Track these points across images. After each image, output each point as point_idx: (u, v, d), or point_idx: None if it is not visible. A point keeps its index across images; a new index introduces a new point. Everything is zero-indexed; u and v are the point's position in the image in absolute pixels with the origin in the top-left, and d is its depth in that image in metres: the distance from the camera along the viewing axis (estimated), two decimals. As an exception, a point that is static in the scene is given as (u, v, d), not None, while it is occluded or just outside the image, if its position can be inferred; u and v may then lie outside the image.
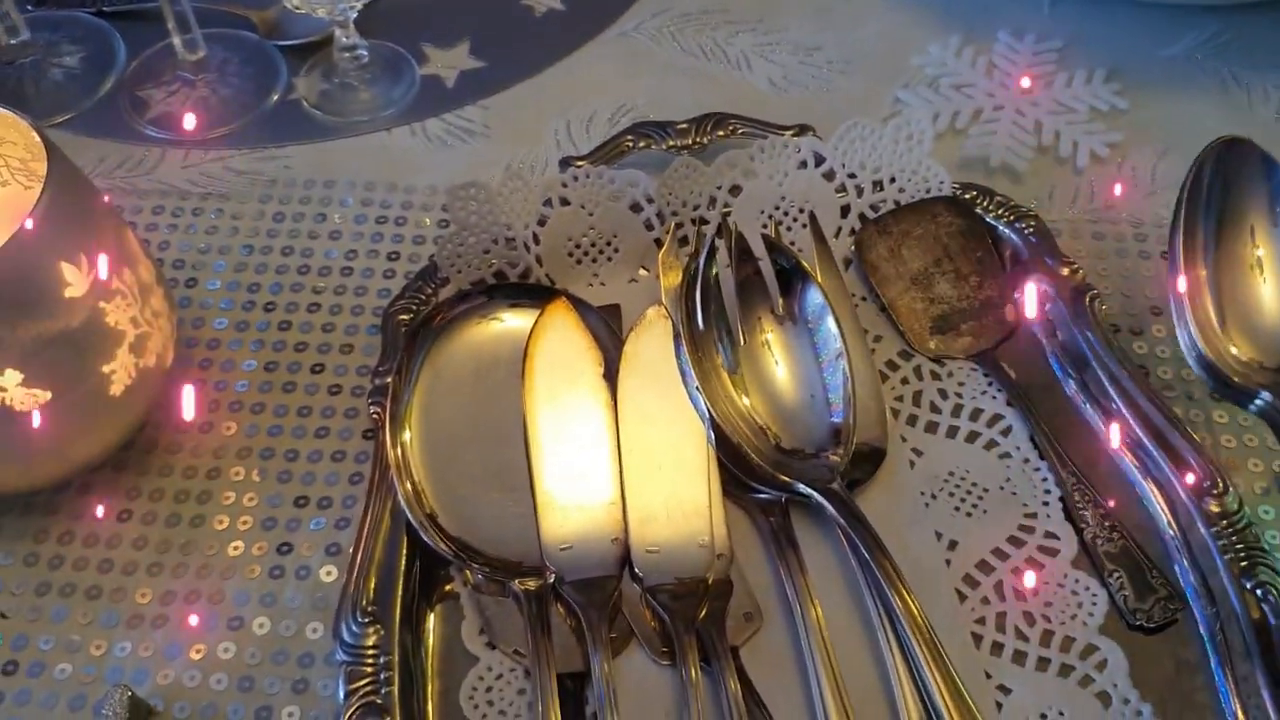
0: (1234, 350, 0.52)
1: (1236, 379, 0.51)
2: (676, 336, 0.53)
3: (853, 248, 0.58)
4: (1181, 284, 0.53)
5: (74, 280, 0.45)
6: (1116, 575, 0.49)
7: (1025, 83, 0.66)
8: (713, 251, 0.55)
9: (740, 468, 0.51)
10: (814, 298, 0.53)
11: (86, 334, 0.46)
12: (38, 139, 0.47)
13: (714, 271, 0.55)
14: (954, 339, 0.55)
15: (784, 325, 0.53)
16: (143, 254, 0.50)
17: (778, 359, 0.53)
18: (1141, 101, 0.66)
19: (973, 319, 0.56)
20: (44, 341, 0.45)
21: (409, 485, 0.50)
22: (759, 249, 0.55)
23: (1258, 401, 0.51)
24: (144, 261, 0.50)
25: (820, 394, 0.52)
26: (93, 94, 0.68)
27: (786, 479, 0.50)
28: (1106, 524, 0.50)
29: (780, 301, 0.54)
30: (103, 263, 0.46)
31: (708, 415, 0.51)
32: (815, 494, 0.49)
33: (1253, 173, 0.54)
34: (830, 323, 0.52)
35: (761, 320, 0.54)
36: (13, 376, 0.44)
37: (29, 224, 0.43)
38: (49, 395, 0.46)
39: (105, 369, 0.47)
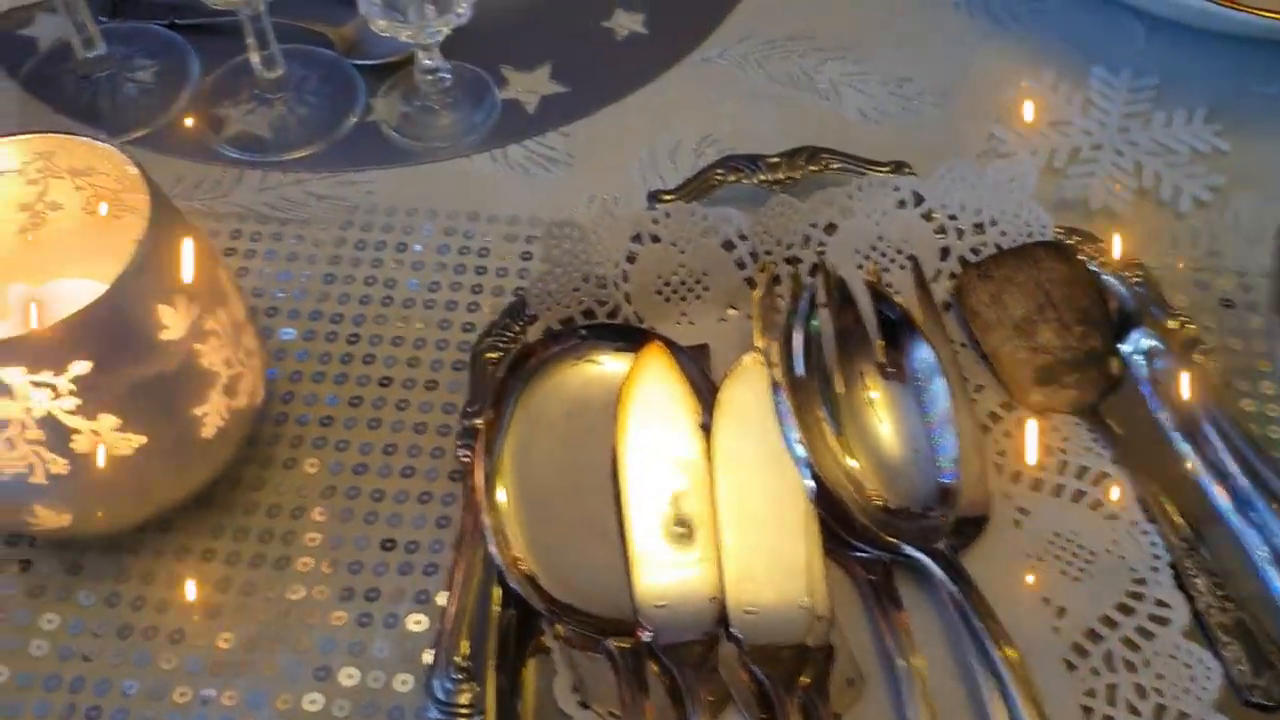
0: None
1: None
2: (775, 385, 0.52)
3: (952, 292, 0.57)
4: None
5: (171, 323, 0.44)
6: (1231, 647, 0.47)
7: (1123, 121, 0.64)
8: (813, 296, 0.54)
9: (842, 525, 0.49)
10: (922, 354, 0.51)
11: (181, 377, 0.45)
12: (133, 172, 0.46)
13: (813, 319, 0.53)
14: (1058, 392, 0.54)
15: (888, 378, 0.52)
16: (235, 291, 0.49)
17: (881, 415, 0.51)
18: (1243, 143, 0.64)
19: (1077, 371, 0.54)
20: (140, 386, 0.43)
21: (502, 535, 0.48)
22: (860, 296, 0.54)
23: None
24: (237, 300, 0.49)
25: (926, 451, 0.50)
26: (167, 110, 0.67)
27: (892, 539, 0.48)
28: (1219, 593, 0.48)
29: (884, 353, 0.52)
30: (198, 304, 0.45)
31: (809, 469, 0.50)
32: (920, 555, 0.48)
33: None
34: (939, 381, 0.50)
35: (863, 372, 0.52)
36: (108, 421, 0.43)
37: (131, 268, 0.42)
38: (144, 440, 0.44)
39: (198, 411, 0.46)
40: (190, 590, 0.50)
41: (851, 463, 0.50)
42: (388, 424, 0.55)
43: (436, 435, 0.54)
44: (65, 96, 0.67)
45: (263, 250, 0.61)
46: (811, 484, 0.50)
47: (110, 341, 0.42)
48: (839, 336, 0.53)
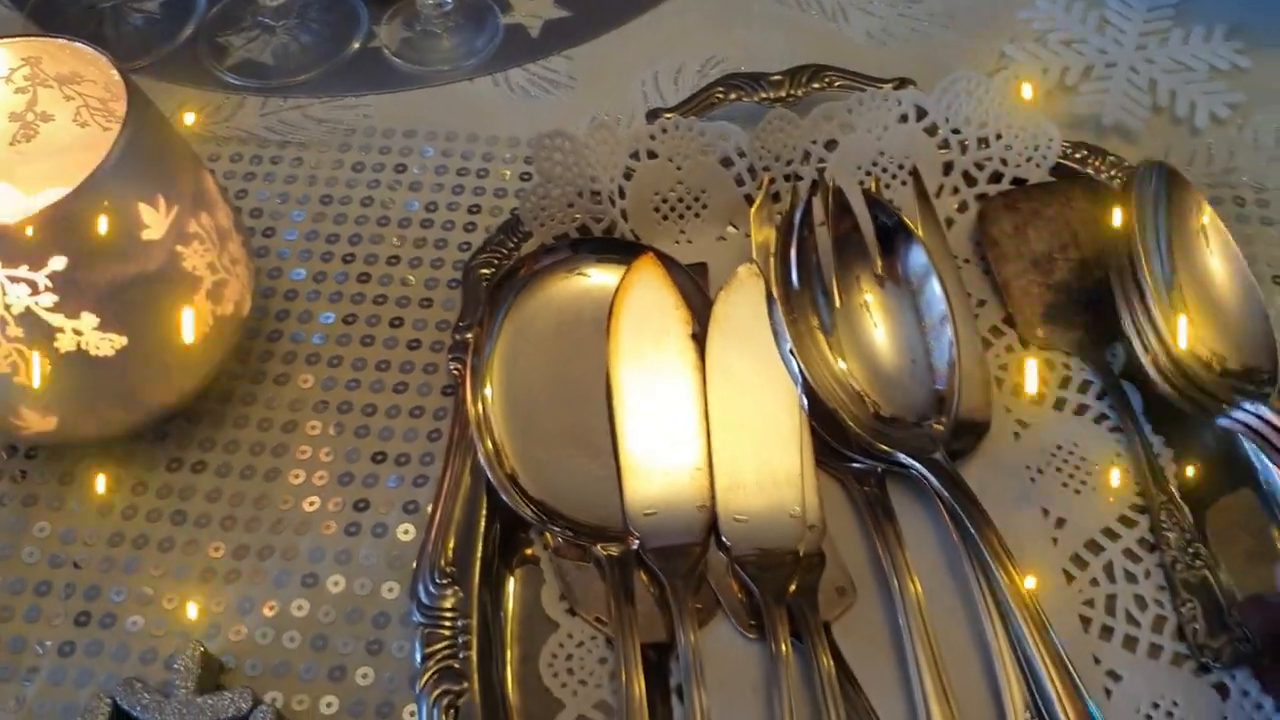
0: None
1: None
2: (770, 296, 0.51)
3: (976, 219, 0.55)
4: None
5: (152, 222, 0.44)
6: (1189, 605, 0.45)
7: (1140, 39, 0.62)
8: (809, 208, 0.53)
9: (835, 435, 0.48)
10: (918, 257, 0.50)
11: (163, 279, 0.45)
12: (117, 77, 0.45)
13: (810, 229, 0.52)
14: (1064, 331, 0.52)
15: (884, 286, 0.51)
16: (221, 199, 0.49)
17: (877, 322, 0.50)
18: (1265, 60, 0.62)
19: (1089, 314, 0.52)
20: (120, 285, 0.43)
21: (490, 444, 0.48)
22: (858, 205, 0.52)
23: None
24: (222, 207, 0.48)
25: (922, 359, 0.49)
26: (172, 39, 0.67)
27: (885, 448, 0.47)
28: (1190, 550, 0.46)
29: (880, 261, 0.51)
30: (181, 205, 0.45)
31: (801, 379, 0.49)
32: (916, 464, 0.47)
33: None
34: (935, 285, 0.49)
35: (860, 280, 0.51)
36: (89, 320, 0.43)
37: (107, 163, 0.41)
38: (125, 341, 0.44)
39: (181, 316, 0.46)
40: (180, 501, 0.50)
41: (845, 369, 0.49)
42: (381, 340, 0.54)
43: (430, 351, 0.54)
44: (71, 27, 0.68)
45: (262, 173, 0.61)
46: (804, 396, 0.49)
47: (88, 237, 0.42)
48: (837, 248, 0.52)
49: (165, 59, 0.66)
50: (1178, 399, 0.48)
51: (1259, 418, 0.46)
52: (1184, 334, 0.48)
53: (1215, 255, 0.50)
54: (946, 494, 0.46)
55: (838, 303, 0.51)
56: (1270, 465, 0.46)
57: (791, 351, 0.49)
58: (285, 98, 0.64)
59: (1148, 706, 0.43)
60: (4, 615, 0.47)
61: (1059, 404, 0.50)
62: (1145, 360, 0.49)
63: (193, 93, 0.65)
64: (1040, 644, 0.42)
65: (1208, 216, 0.51)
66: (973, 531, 0.45)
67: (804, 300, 0.51)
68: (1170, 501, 0.47)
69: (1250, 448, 0.47)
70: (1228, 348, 0.48)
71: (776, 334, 0.50)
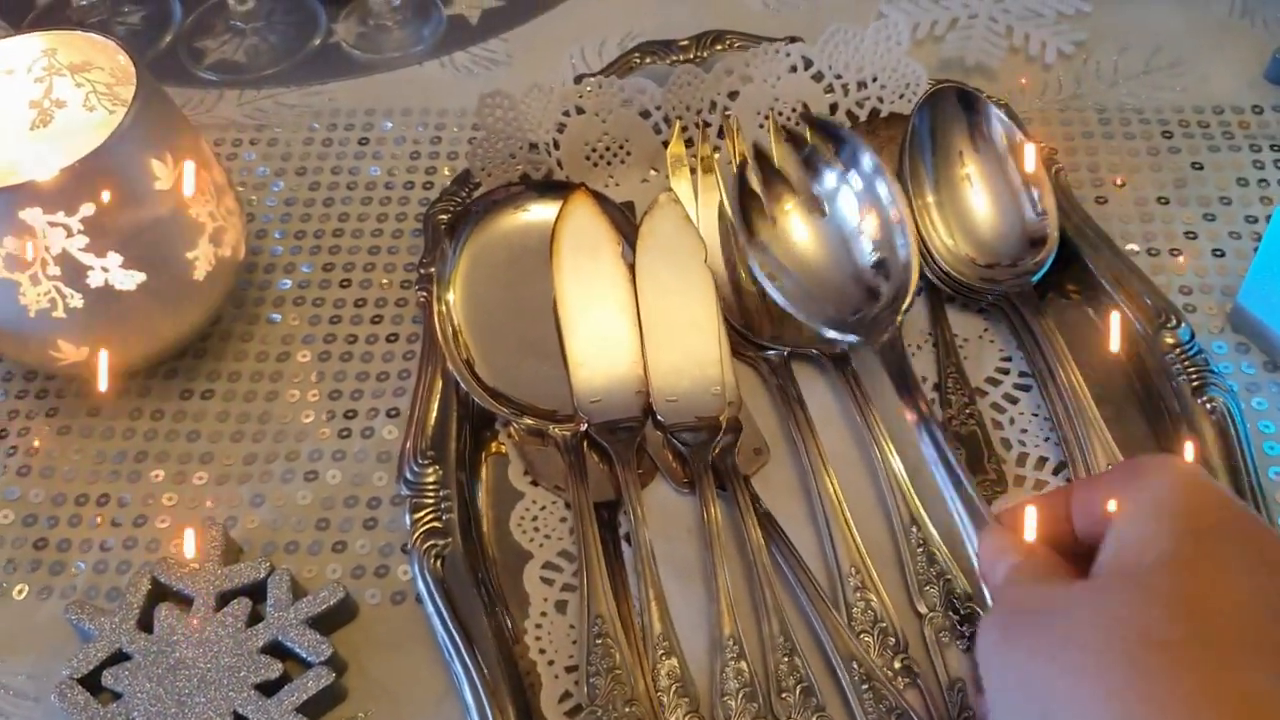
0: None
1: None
2: (687, 216, 0.60)
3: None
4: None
5: (162, 175, 0.52)
6: (956, 453, 0.52)
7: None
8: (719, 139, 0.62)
9: (750, 329, 0.58)
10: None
11: (173, 223, 0.53)
12: (124, 61, 0.54)
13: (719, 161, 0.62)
14: None
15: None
16: (215, 161, 0.57)
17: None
18: (1103, 5, 0.72)
19: None
20: (139, 228, 0.52)
21: (457, 353, 0.56)
22: (760, 135, 0.62)
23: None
24: (217, 167, 0.57)
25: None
26: (154, 47, 0.76)
27: (793, 341, 0.57)
28: (967, 409, 0.55)
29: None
30: (185, 162, 0.53)
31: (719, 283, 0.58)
32: (813, 351, 0.56)
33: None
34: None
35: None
36: (114, 259, 0.52)
37: (125, 122, 0.50)
38: (144, 277, 0.53)
39: (189, 255, 0.54)
40: (194, 423, 0.58)
41: (760, 276, 0.58)
42: (357, 282, 0.63)
43: (399, 288, 0.63)
44: (62, 41, 0.76)
45: (242, 153, 0.70)
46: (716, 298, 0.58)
47: (112, 186, 0.50)
48: (750, 170, 0.61)
49: (149, 64, 0.74)
50: (948, 287, 0.59)
51: (1008, 298, 0.56)
52: (945, 230, 0.60)
53: (986, 162, 0.61)
54: (841, 372, 0.56)
55: (759, 215, 0.60)
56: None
57: (708, 262, 0.58)
58: (259, 89, 0.73)
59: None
60: (51, 523, 0.55)
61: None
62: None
63: (176, 90, 0.73)
64: (912, 488, 0.51)
65: (996, 128, 0.61)
66: (861, 399, 0.54)
67: (720, 217, 0.60)
68: (956, 370, 0.56)
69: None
70: (991, 240, 0.59)
71: (695, 246, 0.59)
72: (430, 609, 0.50)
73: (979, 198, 0.60)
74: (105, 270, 0.52)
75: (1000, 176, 0.61)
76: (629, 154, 0.66)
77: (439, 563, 0.51)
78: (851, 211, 0.59)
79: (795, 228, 0.60)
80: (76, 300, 0.52)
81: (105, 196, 0.50)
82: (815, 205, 0.60)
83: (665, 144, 0.65)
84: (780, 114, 0.66)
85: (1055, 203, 0.59)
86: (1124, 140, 0.66)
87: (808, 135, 0.62)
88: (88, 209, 0.50)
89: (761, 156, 0.61)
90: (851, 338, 0.55)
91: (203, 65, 0.74)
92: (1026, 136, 0.62)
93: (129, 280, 0.52)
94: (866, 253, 0.58)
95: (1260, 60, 0.68)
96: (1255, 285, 0.56)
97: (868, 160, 0.59)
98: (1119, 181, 0.64)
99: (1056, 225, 0.58)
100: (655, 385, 0.56)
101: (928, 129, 0.62)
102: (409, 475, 0.53)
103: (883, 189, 0.58)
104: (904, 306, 0.55)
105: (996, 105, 0.64)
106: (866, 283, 0.57)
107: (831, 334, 0.55)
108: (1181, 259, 0.60)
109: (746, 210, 0.60)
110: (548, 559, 0.53)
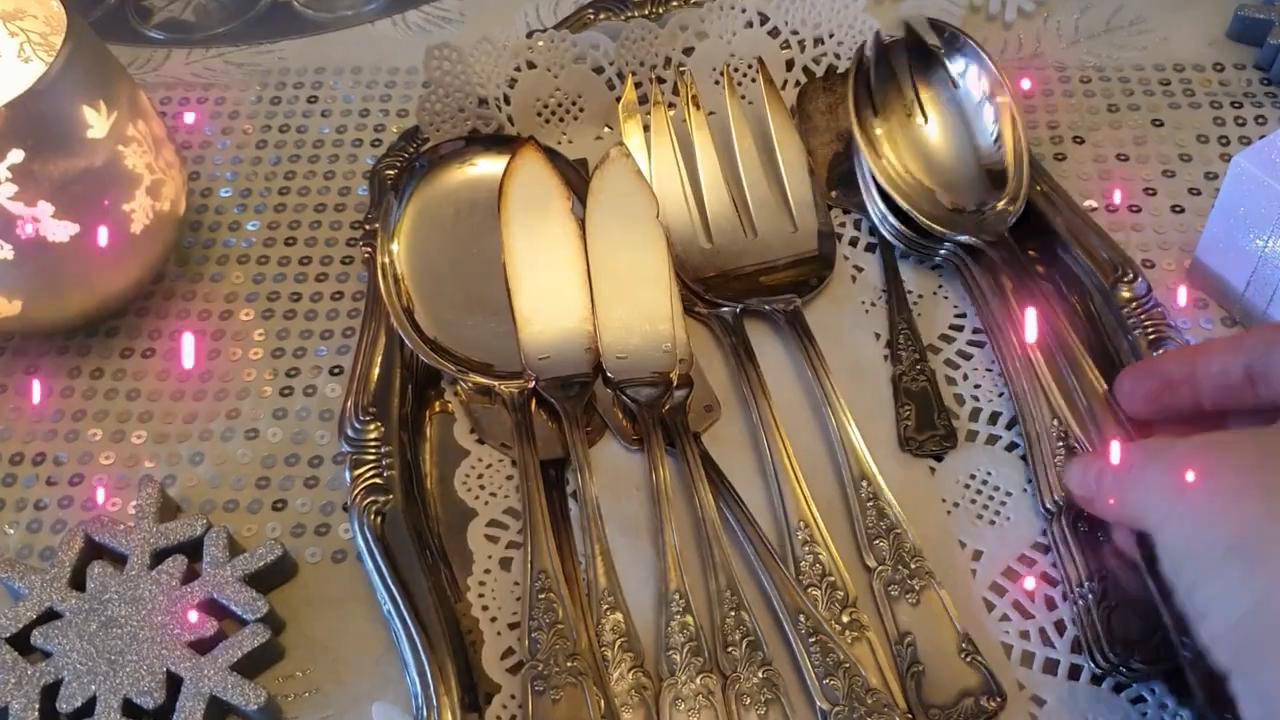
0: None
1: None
2: (638, 171, 0.59)
3: (795, 100, 0.64)
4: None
5: (94, 123, 0.51)
6: (907, 408, 0.53)
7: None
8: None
9: (701, 287, 0.57)
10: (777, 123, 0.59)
11: (108, 173, 0.52)
12: (57, 8, 0.53)
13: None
14: (852, 194, 0.60)
15: (752, 158, 0.59)
16: (154, 113, 0.56)
17: (742, 184, 0.59)
18: (1066, -35, 0.71)
19: None
20: (71, 177, 0.50)
21: (401, 308, 0.55)
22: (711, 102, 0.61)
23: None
24: (155, 119, 0.56)
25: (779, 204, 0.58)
26: (102, 4, 0.74)
27: (745, 298, 0.56)
28: (918, 365, 0.54)
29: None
30: (120, 111, 0.52)
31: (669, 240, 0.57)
32: (765, 307, 0.56)
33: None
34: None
35: (726, 154, 0.59)
36: (45, 208, 0.50)
37: (54, 66, 0.49)
38: (77, 228, 0.51)
39: (126, 207, 0.53)
40: (134, 381, 0.57)
41: (705, 238, 0.57)
42: (303, 240, 0.62)
43: (345, 247, 0.61)
44: None
45: (189, 112, 0.68)
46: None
47: (41, 132, 0.49)
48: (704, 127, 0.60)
49: (94, 22, 0.73)
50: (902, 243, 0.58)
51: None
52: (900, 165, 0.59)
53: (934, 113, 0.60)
54: (793, 329, 0.55)
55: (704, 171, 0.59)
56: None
57: (659, 218, 0.57)
58: (207, 48, 0.71)
59: (965, 478, 0.51)
60: (-17, 481, 0.54)
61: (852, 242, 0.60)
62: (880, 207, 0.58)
63: (123, 49, 0.72)
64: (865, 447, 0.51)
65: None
66: (812, 354, 0.54)
67: (671, 173, 0.59)
68: (908, 327, 0.55)
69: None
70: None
71: (646, 202, 0.58)
72: (369, 565, 0.49)
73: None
74: (36, 220, 0.50)
75: (959, 114, 0.60)
76: (582, 110, 0.64)
77: (379, 519, 0.50)
78: (960, 117, 0.59)
79: (909, 130, 0.60)
80: (6, 251, 0.50)
81: (33, 143, 0.49)
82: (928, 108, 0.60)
83: (619, 99, 0.64)
84: (735, 70, 0.65)
85: (1018, 143, 0.58)
86: (1084, 99, 0.65)
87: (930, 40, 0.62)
88: (16, 155, 0.48)
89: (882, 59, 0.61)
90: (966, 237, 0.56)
91: (150, 24, 0.73)
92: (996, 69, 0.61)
93: (61, 231, 0.51)
94: (981, 153, 0.58)
95: (1222, 19, 0.68)
96: (1213, 241, 0.55)
97: (975, 65, 0.60)
98: (1079, 138, 0.63)
99: (1028, 175, 0.57)
100: (605, 342, 0.55)
101: (885, 62, 0.61)
102: (350, 432, 0.52)
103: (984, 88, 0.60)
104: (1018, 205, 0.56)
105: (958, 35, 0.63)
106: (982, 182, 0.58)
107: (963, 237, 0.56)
108: (1140, 215, 0.60)
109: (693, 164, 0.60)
110: (493, 516, 0.52)
